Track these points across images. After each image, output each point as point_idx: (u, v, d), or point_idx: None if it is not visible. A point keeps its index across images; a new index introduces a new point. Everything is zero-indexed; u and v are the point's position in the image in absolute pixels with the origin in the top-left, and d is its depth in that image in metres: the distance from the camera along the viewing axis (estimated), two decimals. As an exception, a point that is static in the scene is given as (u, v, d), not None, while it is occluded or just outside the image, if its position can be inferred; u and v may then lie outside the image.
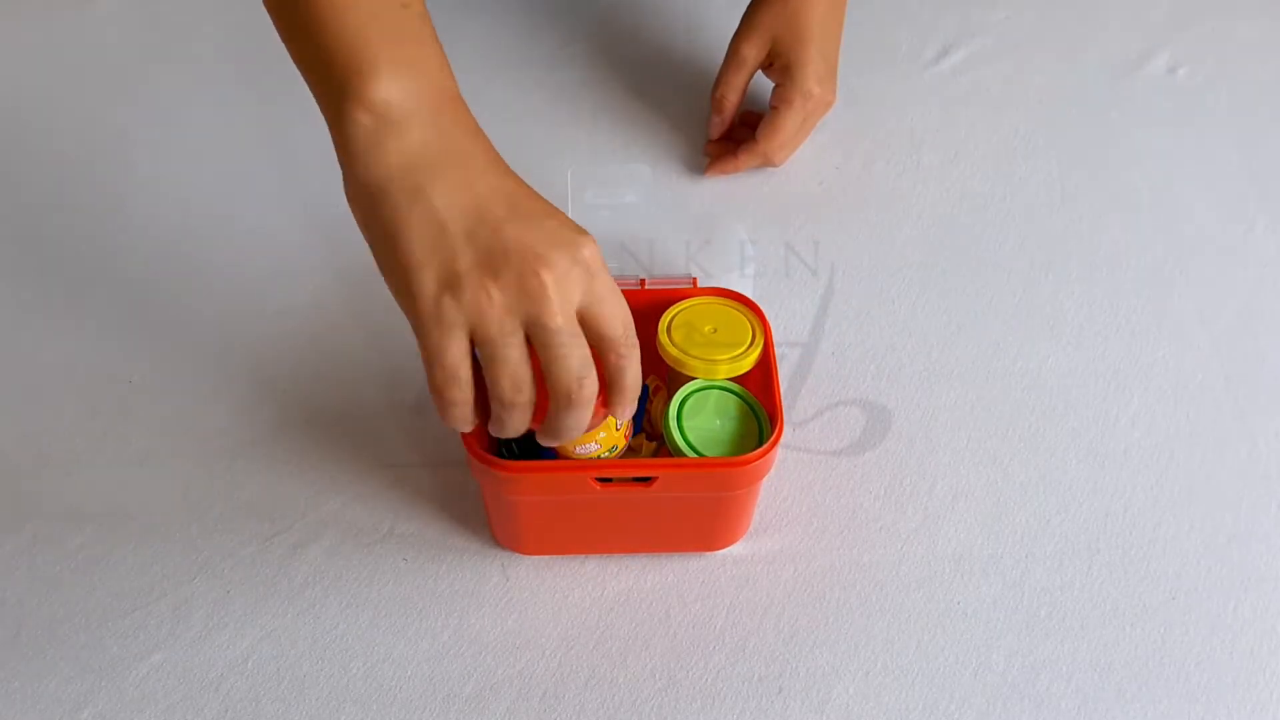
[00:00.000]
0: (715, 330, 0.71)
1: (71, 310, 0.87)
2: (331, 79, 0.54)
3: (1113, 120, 0.99)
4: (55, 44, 1.04)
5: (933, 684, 0.70)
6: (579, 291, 0.54)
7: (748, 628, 0.72)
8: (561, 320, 0.53)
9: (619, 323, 0.55)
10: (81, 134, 0.98)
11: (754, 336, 0.71)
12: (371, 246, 0.56)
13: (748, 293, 0.73)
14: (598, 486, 0.66)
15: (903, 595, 0.73)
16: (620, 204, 0.77)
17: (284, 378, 0.82)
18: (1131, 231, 0.92)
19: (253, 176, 0.95)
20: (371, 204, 0.55)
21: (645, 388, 0.78)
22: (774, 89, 0.91)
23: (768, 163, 0.93)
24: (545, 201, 0.57)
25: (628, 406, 0.57)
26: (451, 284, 0.53)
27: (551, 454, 0.75)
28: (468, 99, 0.58)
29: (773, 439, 0.66)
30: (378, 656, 0.71)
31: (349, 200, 0.56)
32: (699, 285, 0.74)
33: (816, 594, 0.73)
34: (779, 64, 0.90)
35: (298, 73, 0.59)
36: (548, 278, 0.52)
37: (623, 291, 0.63)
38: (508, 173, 0.57)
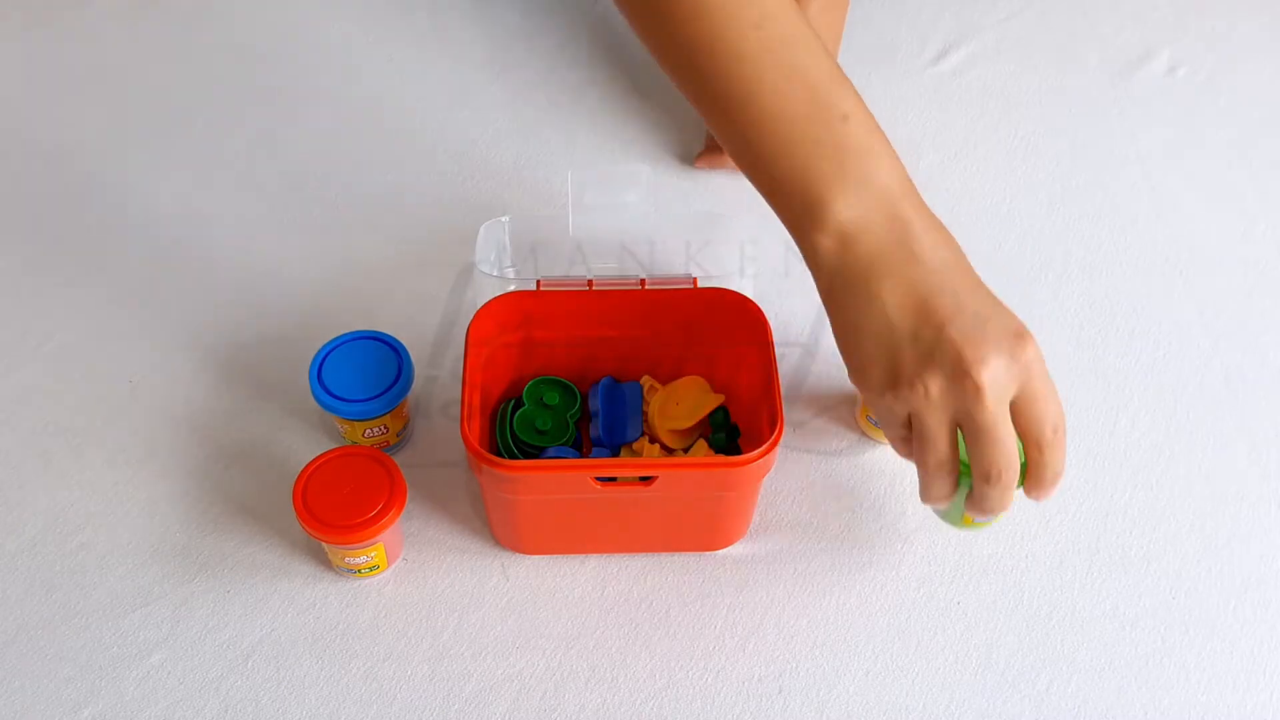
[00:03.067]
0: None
1: (71, 310, 0.86)
2: (792, 209, 0.61)
3: (1113, 120, 0.99)
4: (55, 44, 1.04)
5: (933, 684, 0.70)
6: (1013, 390, 0.59)
7: (748, 628, 0.72)
8: (990, 417, 0.58)
9: (1048, 424, 0.60)
10: (81, 134, 0.98)
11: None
12: (838, 339, 0.62)
13: (748, 293, 0.73)
14: (598, 486, 0.66)
15: (903, 595, 0.73)
16: (620, 204, 0.77)
17: (285, 377, 0.82)
18: (1131, 231, 0.92)
19: (254, 176, 0.95)
20: (835, 306, 0.61)
21: (638, 386, 0.78)
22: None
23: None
24: (990, 295, 0.60)
25: (1044, 494, 0.62)
26: (895, 381, 0.59)
27: (553, 454, 0.75)
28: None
29: (773, 439, 0.66)
30: (378, 656, 0.71)
31: (823, 300, 0.62)
32: (699, 285, 0.74)
33: (816, 594, 0.73)
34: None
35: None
36: (982, 378, 0.57)
37: (622, 291, 0.72)
38: (957, 265, 0.61)
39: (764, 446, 0.65)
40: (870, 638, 0.71)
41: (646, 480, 0.67)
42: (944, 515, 0.72)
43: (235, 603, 0.73)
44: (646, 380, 0.79)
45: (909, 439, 0.61)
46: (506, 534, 0.74)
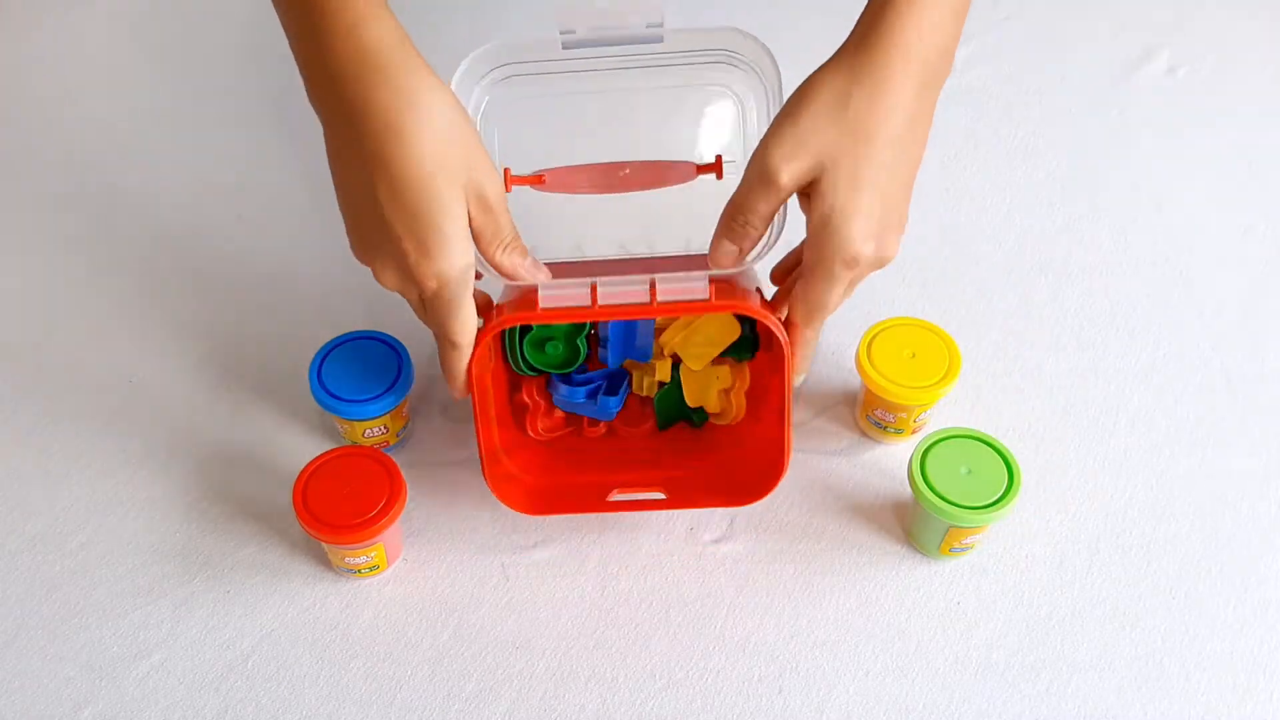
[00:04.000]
0: (914, 355, 0.76)
1: (72, 310, 0.87)
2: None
3: (1113, 120, 0.99)
4: (56, 43, 1.04)
5: (933, 684, 0.70)
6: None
7: (748, 628, 0.72)
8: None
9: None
10: (82, 134, 0.98)
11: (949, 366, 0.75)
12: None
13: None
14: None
15: (902, 595, 0.73)
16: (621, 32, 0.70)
17: (285, 377, 0.82)
18: (1131, 231, 0.92)
19: (255, 177, 0.95)
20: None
21: (650, 322, 0.77)
22: (807, 237, 0.65)
23: (798, 365, 0.70)
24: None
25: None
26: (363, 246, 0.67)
27: (564, 396, 0.75)
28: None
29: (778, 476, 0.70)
30: (378, 656, 0.71)
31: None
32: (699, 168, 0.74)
33: (816, 594, 0.73)
34: (818, 208, 0.63)
35: (300, 73, 0.62)
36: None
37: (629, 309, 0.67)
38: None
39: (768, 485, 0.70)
40: (870, 638, 0.71)
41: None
42: (922, 546, 0.74)
43: (235, 603, 0.73)
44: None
45: None
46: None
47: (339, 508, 0.69)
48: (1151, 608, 0.73)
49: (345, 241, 0.90)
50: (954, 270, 0.89)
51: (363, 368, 0.75)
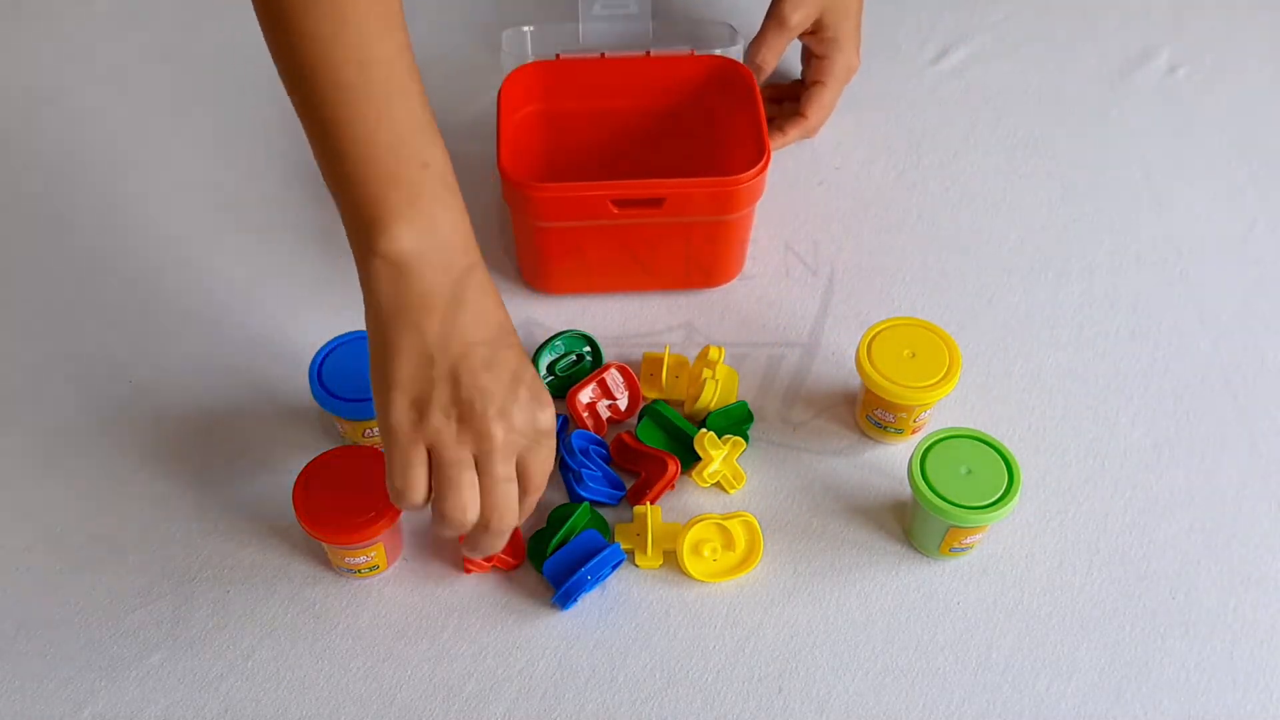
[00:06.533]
0: (914, 355, 0.76)
1: (72, 310, 0.87)
2: (359, 230, 0.61)
3: (1113, 120, 0.99)
4: (55, 44, 1.04)
5: (933, 684, 0.70)
6: (522, 448, 0.63)
7: (748, 628, 0.72)
8: (501, 469, 0.62)
9: (541, 475, 0.65)
10: (81, 134, 0.98)
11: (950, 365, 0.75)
12: (371, 366, 0.63)
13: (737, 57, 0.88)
14: (615, 210, 0.77)
15: (902, 595, 0.73)
16: (623, 14, 0.93)
17: (284, 379, 0.82)
18: (1131, 231, 0.92)
19: (254, 177, 0.95)
20: (378, 330, 0.62)
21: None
22: (814, 60, 0.93)
23: (808, 135, 0.95)
24: (527, 361, 0.64)
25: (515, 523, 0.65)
26: (422, 410, 0.61)
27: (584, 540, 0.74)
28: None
29: (761, 164, 0.77)
30: (378, 656, 0.71)
31: (366, 324, 0.64)
32: (695, 54, 0.86)
33: (817, 593, 0.73)
34: (825, 35, 0.91)
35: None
36: (499, 432, 0.61)
37: (631, 59, 0.86)
38: (503, 326, 0.64)
39: (756, 168, 0.77)
40: (870, 638, 0.72)
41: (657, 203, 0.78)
42: (922, 546, 0.74)
43: (235, 603, 0.73)
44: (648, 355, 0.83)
45: (419, 479, 0.62)
46: (533, 270, 0.85)
47: (339, 508, 0.69)
48: (1151, 608, 0.73)
49: (345, 242, 0.90)
50: (954, 270, 0.89)
51: (363, 368, 0.75)
